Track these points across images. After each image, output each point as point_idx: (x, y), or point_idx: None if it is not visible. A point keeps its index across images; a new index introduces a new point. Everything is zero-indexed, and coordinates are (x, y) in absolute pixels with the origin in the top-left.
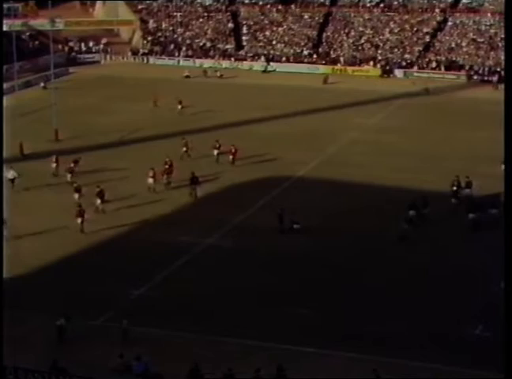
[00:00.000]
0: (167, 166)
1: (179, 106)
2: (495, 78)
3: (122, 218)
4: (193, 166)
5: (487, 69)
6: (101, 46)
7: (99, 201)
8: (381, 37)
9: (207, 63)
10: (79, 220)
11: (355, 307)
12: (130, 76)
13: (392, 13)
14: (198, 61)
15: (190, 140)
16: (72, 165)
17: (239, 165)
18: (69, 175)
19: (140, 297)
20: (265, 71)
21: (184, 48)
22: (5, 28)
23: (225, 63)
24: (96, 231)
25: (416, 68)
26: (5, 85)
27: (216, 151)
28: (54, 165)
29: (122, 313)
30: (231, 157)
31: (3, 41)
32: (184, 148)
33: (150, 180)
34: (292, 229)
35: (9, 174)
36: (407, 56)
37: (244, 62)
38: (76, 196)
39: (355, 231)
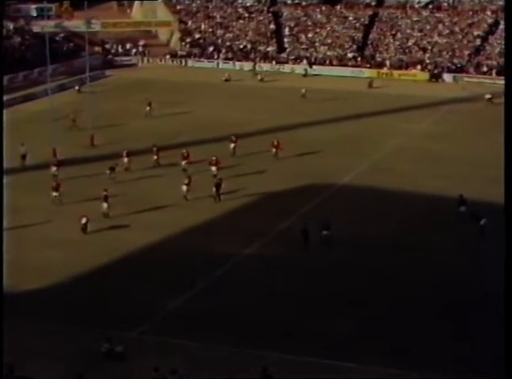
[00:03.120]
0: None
1: (147, 108)
2: (487, 95)
3: (158, 226)
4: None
5: None
6: (139, 48)
7: (105, 205)
8: (429, 40)
9: (247, 66)
10: (84, 220)
11: (397, 321)
12: (168, 80)
13: (441, 15)
14: (238, 64)
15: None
16: (55, 158)
17: (282, 158)
18: (54, 168)
19: (177, 308)
20: (306, 74)
21: (224, 50)
22: (38, 30)
23: (266, 66)
24: (131, 240)
25: (465, 72)
26: (38, 89)
27: (232, 145)
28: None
29: (159, 324)
30: (274, 150)
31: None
32: (155, 157)
33: (184, 187)
34: (321, 236)
35: (20, 149)
36: (456, 60)
37: (286, 65)
38: (54, 194)
39: (400, 242)
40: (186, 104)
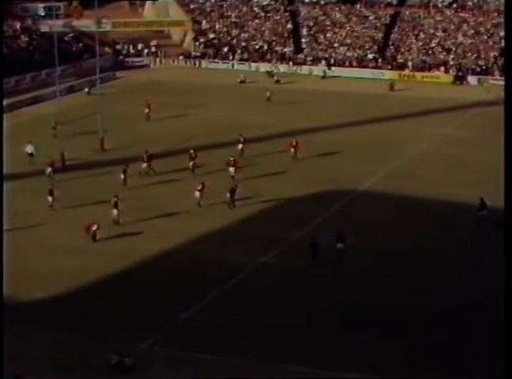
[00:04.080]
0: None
1: (146, 110)
2: None
3: (170, 234)
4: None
5: None
6: (151, 48)
7: (115, 212)
8: (453, 40)
9: (264, 67)
10: (94, 227)
11: (417, 334)
12: (181, 81)
13: (465, 15)
14: (254, 65)
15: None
16: (64, 162)
17: (300, 162)
18: (49, 169)
19: (188, 319)
20: (325, 76)
21: (239, 51)
22: (46, 29)
23: (283, 67)
24: (142, 248)
25: (490, 74)
26: (46, 91)
27: (240, 146)
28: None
29: (170, 335)
30: (292, 150)
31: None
32: (148, 163)
33: (197, 193)
34: (335, 249)
35: (27, 148)
36: (481, 61)
37: (303, 66)
38: (49, 199)
39: (423, 251)
40: (199, 107)
